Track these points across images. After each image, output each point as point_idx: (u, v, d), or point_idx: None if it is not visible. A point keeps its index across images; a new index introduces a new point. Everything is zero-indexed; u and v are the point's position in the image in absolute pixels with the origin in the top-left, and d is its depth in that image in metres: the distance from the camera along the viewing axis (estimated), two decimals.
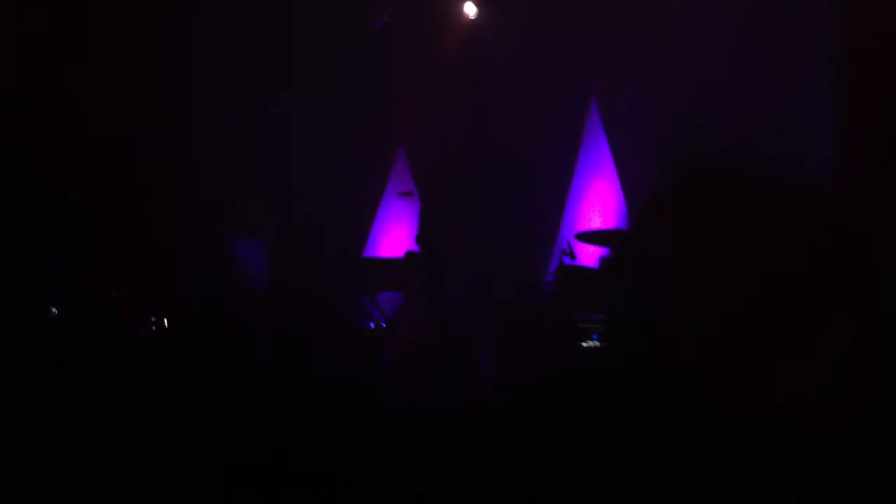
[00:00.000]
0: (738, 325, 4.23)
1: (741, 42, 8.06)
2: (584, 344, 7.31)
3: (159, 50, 8.54)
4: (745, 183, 5.24)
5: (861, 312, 4.07)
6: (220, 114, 9.19)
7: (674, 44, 8.37)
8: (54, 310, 6.74)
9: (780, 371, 3.87)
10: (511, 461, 3.87)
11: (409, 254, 9.12)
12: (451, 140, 9.35)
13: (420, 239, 8.70)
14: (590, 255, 8.65)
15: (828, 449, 3.50)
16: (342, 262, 9.28)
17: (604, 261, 8.55)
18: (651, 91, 8.51)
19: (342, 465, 3.90)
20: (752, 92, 7.83)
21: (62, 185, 7.56)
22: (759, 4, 8.01)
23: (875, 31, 6.50)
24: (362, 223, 9.83)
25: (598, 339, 7.28)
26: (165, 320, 7.86)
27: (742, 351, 4.08)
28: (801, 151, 7.23)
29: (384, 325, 8.97)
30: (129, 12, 8.28)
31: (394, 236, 9.78)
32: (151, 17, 8.50)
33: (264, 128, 9.47)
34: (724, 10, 8.17)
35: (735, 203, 4.80)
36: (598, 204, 9.09)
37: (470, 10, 9.44)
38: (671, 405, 3.93)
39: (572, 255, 8.26)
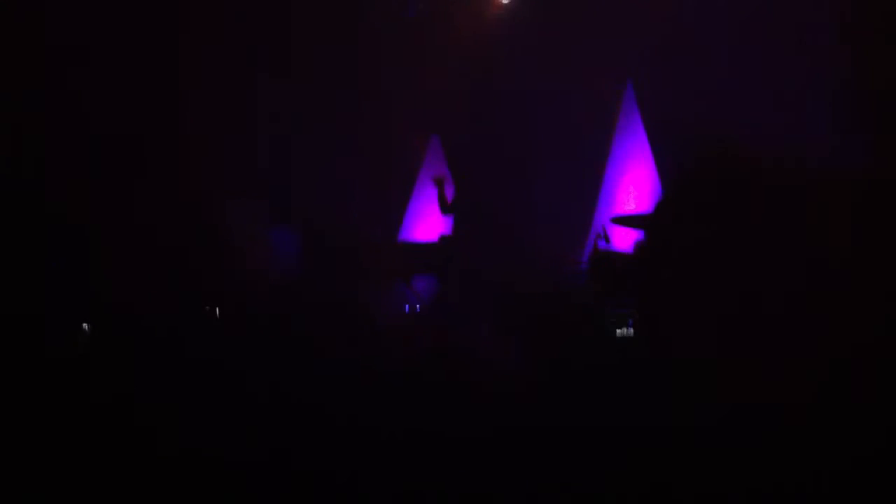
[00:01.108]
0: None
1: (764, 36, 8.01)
2: (619, 332, 7.28)
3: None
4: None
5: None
6: (249, 101, 9.26)
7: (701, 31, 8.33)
8: (86, 326, 6.79)
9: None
10: (536, 457, 3.90)
11: (442, 238, 9.16)
12: (484, 125, 9.35)
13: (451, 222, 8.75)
14: (626, 240, 8.63)
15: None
16: (376, 246, 9.37)
17: (638, 245, 8.53)
18: (684, 75, 8.44)
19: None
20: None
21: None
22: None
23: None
24: (396, 209, 9.89)
25: (633, 327, 7.25)
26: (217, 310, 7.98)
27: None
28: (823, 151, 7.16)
29: (418, 309, 9.04)
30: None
31: (428, 221, 9.82)
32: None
33: (300, 115, 9.54)
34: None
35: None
36: (633, 187, 9.04)
37: None
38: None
39: (607, 239, 8.24)
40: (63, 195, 7.51)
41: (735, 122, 7.88)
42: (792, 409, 3.75)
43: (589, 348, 6.50)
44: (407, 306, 9.03)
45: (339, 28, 9.22)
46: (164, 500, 3.64)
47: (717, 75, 8.11)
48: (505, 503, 3.55)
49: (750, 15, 7.95)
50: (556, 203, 9.08)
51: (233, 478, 3.76)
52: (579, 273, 8.46)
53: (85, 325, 6.69)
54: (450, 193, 8.84)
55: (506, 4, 9.37)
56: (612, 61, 8.98)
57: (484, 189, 8.82)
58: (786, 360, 4.09)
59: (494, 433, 4.14)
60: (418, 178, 9.86)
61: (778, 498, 3.33)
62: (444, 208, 8.70)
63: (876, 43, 6.81)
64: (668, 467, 3.63)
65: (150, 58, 8.42)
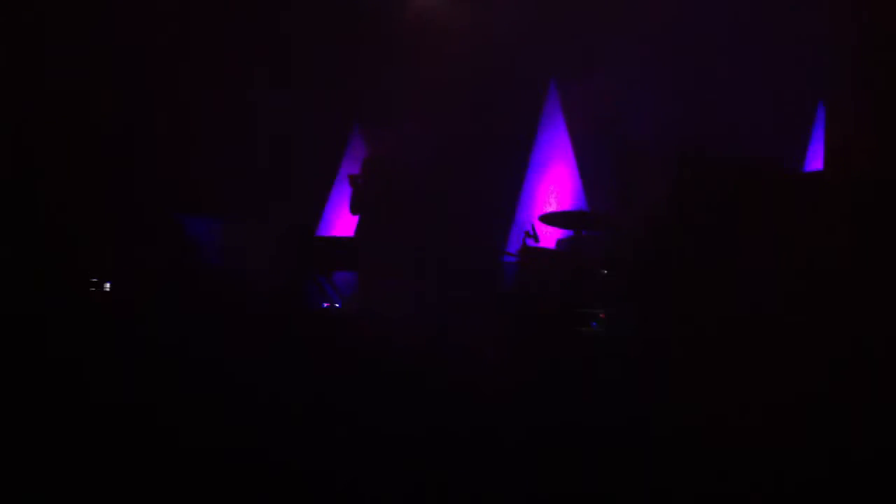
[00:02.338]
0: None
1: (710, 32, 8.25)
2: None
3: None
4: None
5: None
6: (179, 88, 8.95)
7: (627, 30, 8.48)
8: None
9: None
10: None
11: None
12: (405, 122, 9.29)
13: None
14: (549, 238, 8.75)
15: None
16: (297, 240, 9.19)
17: (562, 243, 8.67)
18: (609, 77, 8.60)
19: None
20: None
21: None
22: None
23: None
24: (316, 202, 9.73)
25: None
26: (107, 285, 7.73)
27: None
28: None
29: (338, 306, 8.92)
30: None
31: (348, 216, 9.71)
32: None
33: (219, 105, 9.27)
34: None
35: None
36: (554, 186, 9.16)
37: None
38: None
39: (536, 238, 8.34)
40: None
41: (658, 123, 8.12)
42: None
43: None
44: (326, 303, 8.91)
45: (251, 10, 9.02)
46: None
47: (641, 75, 8.32)
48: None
49: (675, 14, 8.16)
50: (480, 198, 9.12)
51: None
52: (508, 267, 8.54)
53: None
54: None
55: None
56: (535, 59, 9.09)
57: (405, 182, 8.77)
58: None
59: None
60: (339, 172, 9.72)
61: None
62: (355, 208, 8.66)
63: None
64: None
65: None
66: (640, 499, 3.46)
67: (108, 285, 8.22)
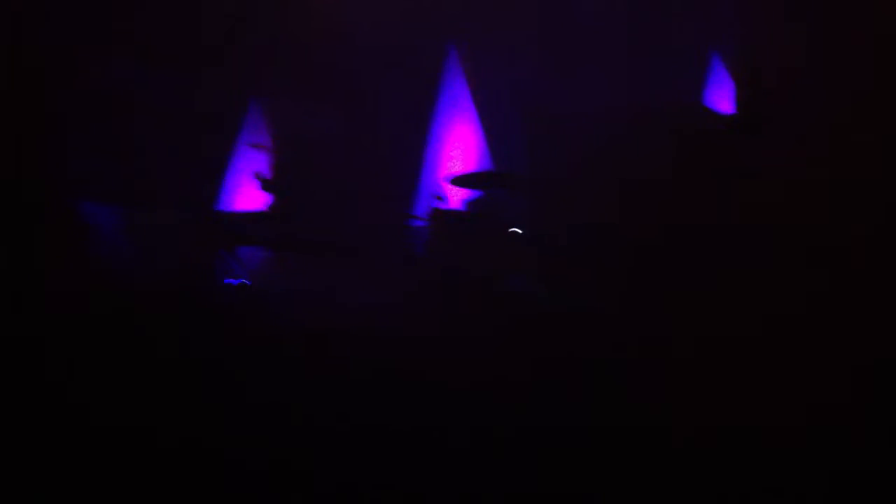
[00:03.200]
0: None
1: None
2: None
3: None
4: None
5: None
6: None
7: None
8: None
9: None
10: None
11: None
12: (303, 87, 9.08)
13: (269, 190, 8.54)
14: (456, 199, 8.78)
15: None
16: (193, 215, 8.96)
17: (473, 203, 8.71)
18: (509, 36, 8.58)
19: None
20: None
21: None
22: None
23: None
24: (212, 175, 9.43)
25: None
26: None
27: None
28: None
29: (247, 282, 8.78)
30: None
31: (250, 189, 9.46)
32: None
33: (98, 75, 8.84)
34: None
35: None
36: (458, 147, 9.15)
37: None
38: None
39: (443, 199, 8.40)
40: None
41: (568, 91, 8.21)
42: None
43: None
44: (231, 279, 8.74)
45: None
46: None
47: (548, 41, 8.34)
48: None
49: None
50: (384, 162, 9.03)
51: None
52: (418, 231, 8.55)
53: None
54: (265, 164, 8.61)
55: None
56: (433, 20, 8.96)
57: (308, 149, 8.65)
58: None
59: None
60: (237, 144, 9.43)
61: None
62: (266, 184, 8.48)
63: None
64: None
65: None
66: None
67: None
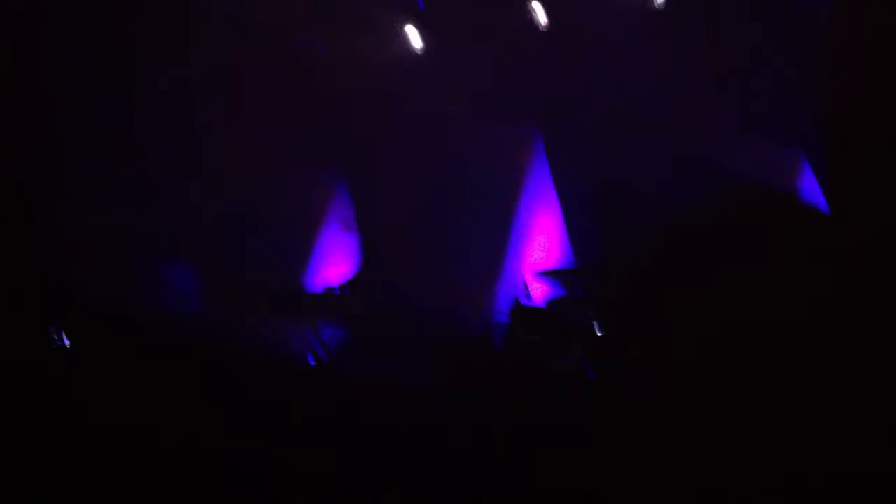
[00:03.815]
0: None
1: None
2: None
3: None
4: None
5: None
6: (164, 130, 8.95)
7: (613, 84, 8.55)
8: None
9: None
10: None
11: (344, 286, 9.02)
12: (395, 172, 9.27)
13: (358, 272, 8.62)
14: (543, 294, 8.70)
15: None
16: (282, 292, 9.11)
17: (553, 302, 8.60)
18: (594, 131, 8.65)
19: None
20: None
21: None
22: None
23: None
24: (302, 253, 9.63)
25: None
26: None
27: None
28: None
29: (324, 359, 8.81)
30: None
31: (336, 267, 9.61)
32: None
33: (200, 147, 9.23)
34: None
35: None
36: (541, 242, 9.13)
37: (415, 41, 9.38)
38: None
39: (528, 296, 8.34)
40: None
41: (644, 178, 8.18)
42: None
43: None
44: (310, 356, 8.79)
45: (239, 66, 9.03)
46: None
47: (626, 131, 8.36)
48: None
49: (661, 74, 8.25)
50: (467, 250, 9.05)
51: None
52: (500, 324, 8.46)
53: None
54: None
55: (419, 53, 9.36)
56: (522, 113, 9.09)
57: (394, 235, 8.74)
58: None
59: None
60: (325, 223, 9.64)
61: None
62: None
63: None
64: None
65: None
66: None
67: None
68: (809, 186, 8.11)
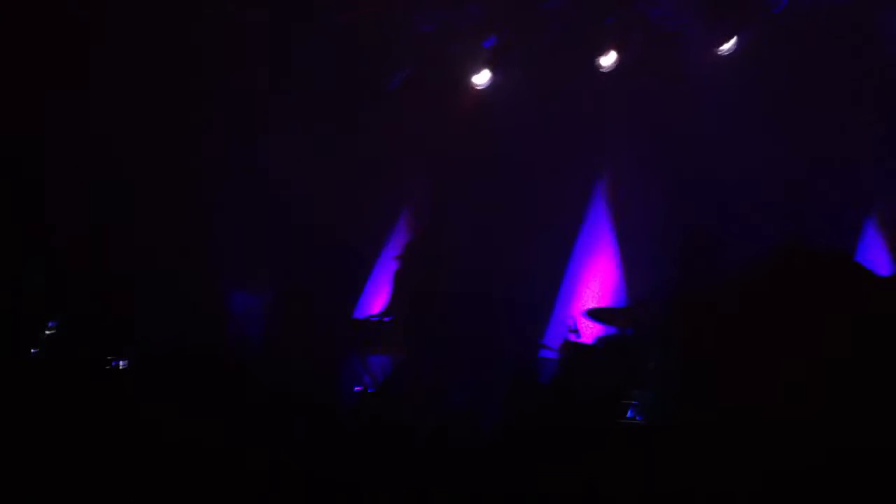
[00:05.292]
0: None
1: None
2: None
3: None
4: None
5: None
6: (226, 162, 9.11)
7: (678, 137, 8.51)
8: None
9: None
10: None
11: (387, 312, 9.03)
12: (455, 207, 9.31)
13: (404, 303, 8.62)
14: (590, 333, 8.57)
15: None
16: (334, 321, 9.13)
17: (602, 340, 8.45)
18: (657, 176, 8.59)
19: None
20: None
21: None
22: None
23: None
24: (358, 283, 9.70)
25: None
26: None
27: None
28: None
29: (372, 390, 8.77)
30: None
31: (384, 295, 9.65)
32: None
33: (266, 181, 9.39)
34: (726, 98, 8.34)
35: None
36: (596, 282, 9.04)
37: (481, 79, 9.46)
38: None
39: (577, 333, 8.21)
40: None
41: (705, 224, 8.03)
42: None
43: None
44: (359, 387, 8.77)
45: (319, 98, 9.19)
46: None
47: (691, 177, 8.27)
48: None
49: (730, 115, 8.14)
50: (522, 284, 9.00)
51: None
52: (549, 359, 8.36)
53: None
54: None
55: (482, 88, 9.44)
56: (587, 153, 9.09)
57: (449, 265, 8.72)
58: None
59: None
60: (384, 252, 9.72)
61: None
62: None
63: None
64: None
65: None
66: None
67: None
68: (875, 242, 7.91)
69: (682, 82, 8.59)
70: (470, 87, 9.43)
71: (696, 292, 6.91)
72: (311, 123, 9.34)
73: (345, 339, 9.01)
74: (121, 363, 7.69)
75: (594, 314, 8.24)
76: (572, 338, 8.13)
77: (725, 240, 7.39)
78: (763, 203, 8.17)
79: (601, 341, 8.37)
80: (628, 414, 7.10)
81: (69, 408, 4.64)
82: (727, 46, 8.49)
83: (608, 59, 8.94)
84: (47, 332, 6.90)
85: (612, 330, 8.43)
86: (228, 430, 5.40)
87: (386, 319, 8.90)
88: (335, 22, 9.04)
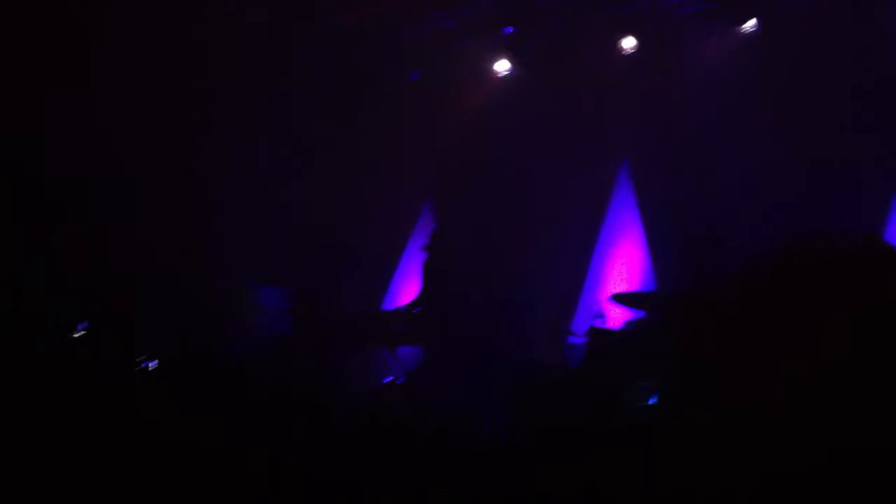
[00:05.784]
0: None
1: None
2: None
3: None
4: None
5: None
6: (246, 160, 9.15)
7: (696, 115, 8.50)
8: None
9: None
10: None
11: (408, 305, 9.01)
12: (477, 197, 9.32)
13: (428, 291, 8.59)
14: (616, 318, 8.55)
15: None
16: (360, 312, 9.18)
17: (632, 323, 8.40)
18: (678, 157, 8.59)
19: None
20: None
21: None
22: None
23: None
24: (383, 276, 9.73)
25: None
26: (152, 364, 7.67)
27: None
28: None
29: (401, 381, 8.73)
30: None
31: (411, 289, 9.65)
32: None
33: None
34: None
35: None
36: (623, 265, 9.04)
37: (501, 67, 9.47)
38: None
39: (603, 318, 8.22)
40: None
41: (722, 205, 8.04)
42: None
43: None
44: (389, 378, 8.76)
45: (339, 92, 9.20)
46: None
47: (711, 161, 8.26)
48: None
49: (748, 103, 8.13)
50: (547, 272, 8.99)
51: None
52: (575, 346, 8.34)
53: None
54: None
55: (504, 76, 9.44)
56: (609, 137, 9.09)
57: (474, 255, 8.72)
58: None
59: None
60: (408, 245, 9.73)
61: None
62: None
63: None
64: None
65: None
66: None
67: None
68: None
69: (705, 72, 8.58)
70: (488, 75, 9.43)
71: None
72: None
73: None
74: (149, 364, 7.69)
75: (619, 299, 8.19)
76: (598, 323, 8.12)
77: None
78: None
79: (628, 326, 8.33)
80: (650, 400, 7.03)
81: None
82: (749, 25, 8.50)
83: (629, 42, 8.94)
84: (75, 335, 6.91)
85: (638, 314, 8.37)
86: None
87: (415, 311, 8.88)
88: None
